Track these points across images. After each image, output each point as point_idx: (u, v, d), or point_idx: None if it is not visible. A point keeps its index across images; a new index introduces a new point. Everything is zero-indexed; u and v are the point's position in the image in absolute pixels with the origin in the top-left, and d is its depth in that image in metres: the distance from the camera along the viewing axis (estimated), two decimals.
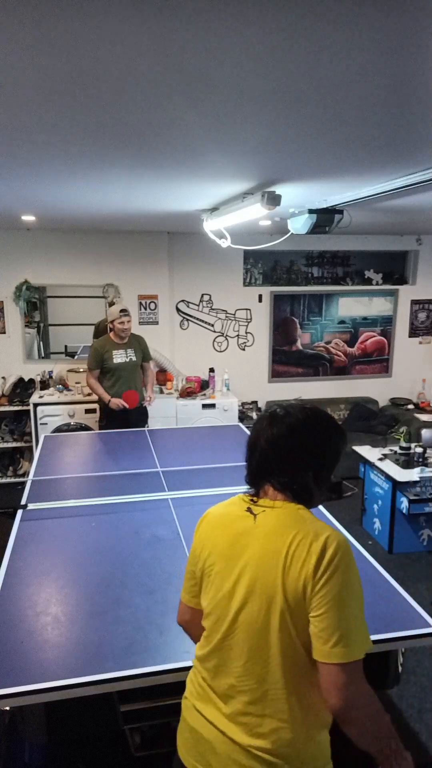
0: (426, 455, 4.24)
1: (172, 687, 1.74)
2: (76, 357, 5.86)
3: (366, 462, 4.43)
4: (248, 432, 4.34)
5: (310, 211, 3.15)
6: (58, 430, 5.01)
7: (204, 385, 5.70)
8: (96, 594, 2.05)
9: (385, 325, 6.44)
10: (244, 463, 1.40)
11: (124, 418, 4.55)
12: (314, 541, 1.21)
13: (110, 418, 4.58)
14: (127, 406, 4.49)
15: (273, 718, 1.24)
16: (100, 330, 4.97)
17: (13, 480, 5.33)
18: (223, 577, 1.32)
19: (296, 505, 1.31)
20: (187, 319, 5.95)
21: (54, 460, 3.63)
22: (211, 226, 3.73)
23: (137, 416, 4.65)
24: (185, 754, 1.36)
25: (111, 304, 5.42)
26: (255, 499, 1.36)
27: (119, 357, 4.53)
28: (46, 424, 5.05)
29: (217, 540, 1.36)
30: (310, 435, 1.35)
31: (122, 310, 4.48)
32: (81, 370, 5.39)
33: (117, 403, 4.46)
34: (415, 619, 1.89)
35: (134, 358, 4.59)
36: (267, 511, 1.31)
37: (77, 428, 4.99)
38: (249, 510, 1.34)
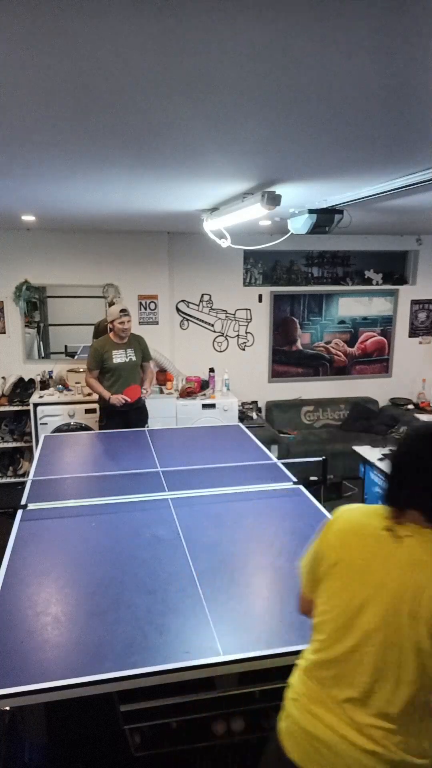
0: None
1: (172, 687, 1.74)
2: (76, 357, 5.86)
3: (366, 462, 4.43)
4: (248, 433, 4.32)
5: (310, 211, 3.15)
6: (58, 430, 5.01)
7: (204, 385, 5.70)
8: (96, 594, 2.05)
9: (385, 325, 6.44)
10: (389, 482, 1.37)
11: (124, 418, 4.54)
12: None
13: (110, 417, 4.58)
14: (129, 400, 4.48)
15: (396, 733, 1.27)
16: (100, 330, 4.97)
17: (13, 480, 5.32)
18: (350, 590, 1.32)
19: None
20: (187, 319, 5.95)
21: (54, 460, 3.63)
22: (211, 226, 3.73)
23: (137, 416, 4.65)
24: (302, 758, 1.36)
25: (111, 304, 5.42)
26: (401, 521, 1.31)
27: (119, 357, 4.53)
28: (46, 424, 5.06)
29: (349, 550, 1.35)
30: None
31: (122, 310, 4.48)
32: (81, 370, 5.39)
33: (118, 398, 4.45)
34: None
35: (134, 358, 4.59)
36: (416, 537, 1.28)
37: (77, 428, 4.99)
38: (388, 529, 1.31)
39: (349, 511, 1.43)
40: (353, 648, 1.30)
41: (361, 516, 1.40)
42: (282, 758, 1.39)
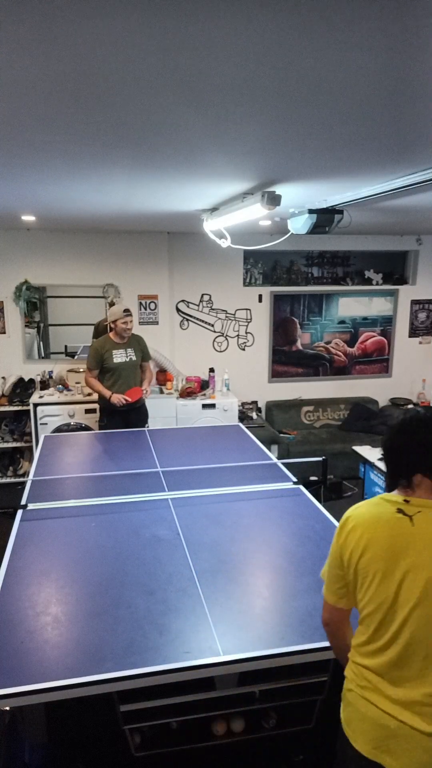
0: None
1: (172, 687, 1.74)
2: (76, 357, 5.86)
3: (366, 462, 4.43)
4: (248, 433, 4.32)
5: (310, 211, 3.15)
6: (58, 430, 5.01)
7: (204, 385, 5.70)
8: (96, 594, 2.05)
9: (385, 325, 6.44)
10: (385, 464, 1.50)
11: (123, 417, 4.55)
12: None
13: (110, 417, 4.58)
14: (129, 399, 4.49)
15: None
16: (100, 330, 4.97)
17: (13, 480, 5.33)
18: (384, 579, 1.38)
19: None
20: (187, 319, 5.95)
21: (54, 460, 3.63)
22: (211, 226, 3.73)
23: (137, 416, 4.65)
24: (364, 745, 1.41)
25: (112, 304, 5.42)
26: (408, 498, 1.41)
27: (119, 356, 4.53)
28: (46, 424, 5.06)
29: (372, 542, 1.40)
30: None
31: (125, 310, 4.49)
32: (81, 370, 5.39)
33: (119, 398, 4.45)
34: None
35: (134, 358, 4.59)
36: (424, 512, 1.38)
37: (77, 428, 4.99)
38: (401, 511, 1.40)
39: (357, 509, 1.49)
40: (397, 632, 1.36)
41: (369, 508, 1.46)
42: (348, 749, 1.44)
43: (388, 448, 1.51)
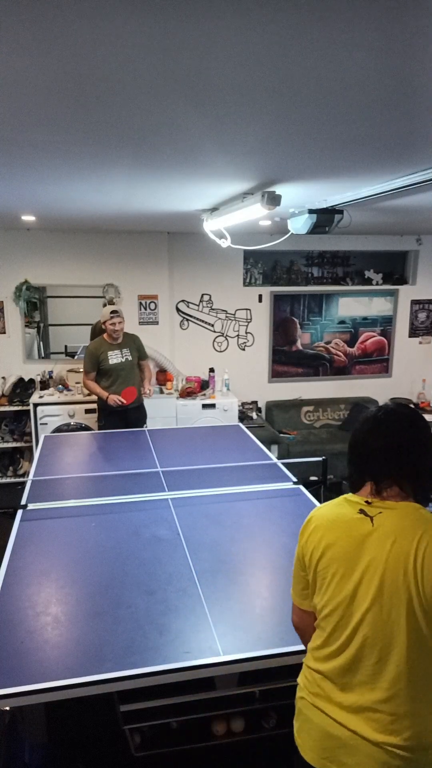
0: None
1: (172, 687, 1.74)
2: (76, 357, 5.86)
3: None
4: (248, 433, 4.32)
5: (310, 211, 3.15)
6: (58, 430, 5.01)
7: (204, 385, 5.70)
8: (96, 594, 2.05)
9: (385, 325, 6.44)
10: (349, 464, 1.45)
11: (122, 417, 4.55)
12: None
13: (108, 417, 4.58)
14: (124, 402, 4.49)
15: (405, 716, 1.26)
16: (97, 332, 4.98)
17: (13, 480, 5.33)
18: (342, 580, 1.34)
19: (415, 504, 1.33)
20: (187, 319, 5.95)
21: (54, 460, 3.63)
22: (211, 226, 3.73)
23: (135, 416, 4.65)
24: (312, 755, 1.37)
25: (106, 305, 5.43)
26: (369, 500, 1.36)
27: (115, 358, 4.53)
28: (46, 424, 5.06)
29: (332, 544, 1.37)
30: (413, 427, 1.39)
31: (112, 312, 4.46)
32: (81, 370, 5.38)
33: (114, 399, 4.46)
34: None
35: (130, 358, 4.59)
36: (385, 513, 1.33)
37: (77, 428, 4.99)
38: (363, 512, 1.35)
39: (320, 509, 1.46)
40: (351, 635, 1.32)
41: (331, 509, 1.43)
42: (299, 759, 1.40)
43: (355, 447, 1.43)
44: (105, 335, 4.57)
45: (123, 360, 4.55)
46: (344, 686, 1.33)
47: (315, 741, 1.37)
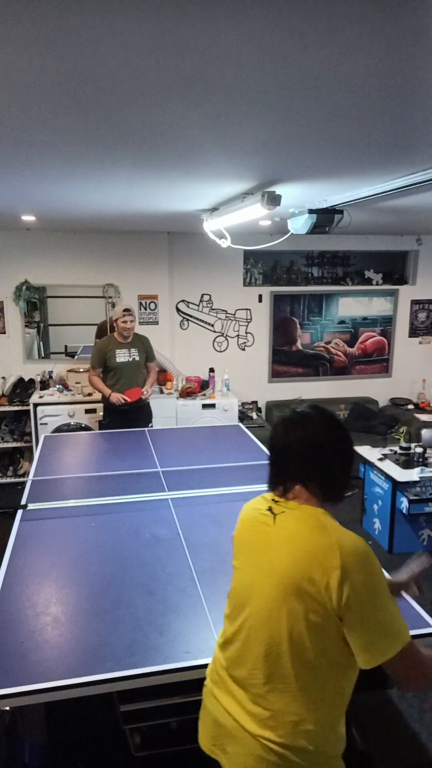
0: (426, 455, 4.24)
1: (171, 687, 1.74)
2: (76, 357, 5.86)
3: (366, 462, 4.43)
4: (248, 433, 4.32)
5: (310, 211, 3.15)
6: (58, 430, 5.01)
7: (204, 385, 5.70)
8: (96, 594, 2.05)
9: (385, 325, 6.44)
10: (267, 464, 1.45)
11: (126, 417, 4.57)
12: (339, 552, 1.23)
13: (112, 416, 4.60)
14: (128, 399, 4.50)
15: (282, 712, 1.28)
16: (103, 330, 4.99)
17: (13, 480, 5.33)
18: (244, 571, 1.40)
19: (317, 509, 1.34)
20: (187, 319, 5.95)
21: (54, 460, 3.63)
22: (211, 226, 3.73)
23: (139, 415, 4.67)
24: (204, 739, 1.43)
25: (113, 305, 5.46)
26: (277, 499, 1.40)
27: (122, 356, 4.55)
28: (46, 424, 5.05)
29: (243, 535, 1.44)
30: (337, 432, 1.40)
31: (125, 309, 4.52)
32: (81, 370, 5.40)
33: (117, 397, 4.47)
34: (415, 619, 1.89)
35: (137, 358, 4.61)
36: (287, 513, 1.35)
37: (77, 428, 4.99)
38: (270, 510, 1.39)
39: (247, 503, 1.51)
40: (241, 625, 1.36)
41: (253, 503, 1.48)
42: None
43: (270, 448, 1.45)
44: (115, 333, 4.61)
45: (130, 359, 4.58)
46: (234, 677, 1.37)
47: (207, 727, 1.42)
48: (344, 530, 1.29)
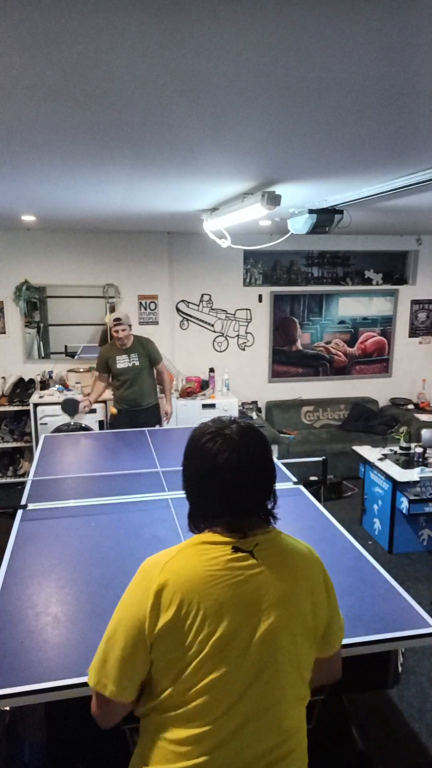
0: (426, 455, 4.24)
1: None
2: (76, 357, 5.86)
3: (366, 462, 4.43)
4: None
5: (310, 211, 3.15)
6: (58, 430, 5.00)
7: (204, 385, 5.71)
8: (96, 594, 2.05)
9: (385, 325, 6.44)
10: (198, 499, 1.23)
11: (134, 418, 4.63)
12: (318, 565, 1.26)
13: (119, 417, 4.69)
14: (113, 412, 4.69)
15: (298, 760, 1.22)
16: (104, 337, 5.07)
17: (13, 480, 5.33)
18: (238, 636, 1.13)
19: (273, 528, 1.24)
20: (187, 319, 5.95)
21: (54, 460, 3.63)
22: (211, 226, 3.73)
23: (148, 417, 4.71)
24: None
25: (112, 308, 5.48)
26: (230, 536, 1.18)
27: (122, 362, 4.59)
28: (46, 424, 5.06)
29: (215, 597, 1.13)
30: (266, 443, 1.26)
31: (116, 319, 4.48)
32: (81, 370, 5.41)
33: (85, 402, 4.72)
34: (415, 619, 1.89)
35: (137, 363, 4.61)
36: (262, 544, 1.19)
37: (77, 428, 4.99)
38: (238, 549, 1.17)
39: (170, 564, 1.16)
40: (240, 697, 1.15)
41: (192, 558, 1.16)
42: None
43: (205, 479, 1.19)
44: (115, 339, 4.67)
45: (130, 365, 4.60)
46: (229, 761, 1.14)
47: None
48: (295, 538, 1.29)
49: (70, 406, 4.71)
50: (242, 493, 1.18)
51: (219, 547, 1.17)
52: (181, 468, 1.25)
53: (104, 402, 5.14)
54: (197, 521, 1.23)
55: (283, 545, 1.23)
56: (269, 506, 1.23)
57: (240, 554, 1.16)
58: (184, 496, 1.25)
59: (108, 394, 4.88)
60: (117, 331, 4.50)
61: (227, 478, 1.17)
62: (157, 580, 1.13)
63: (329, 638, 1.27)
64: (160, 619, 1.11)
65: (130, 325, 4.56)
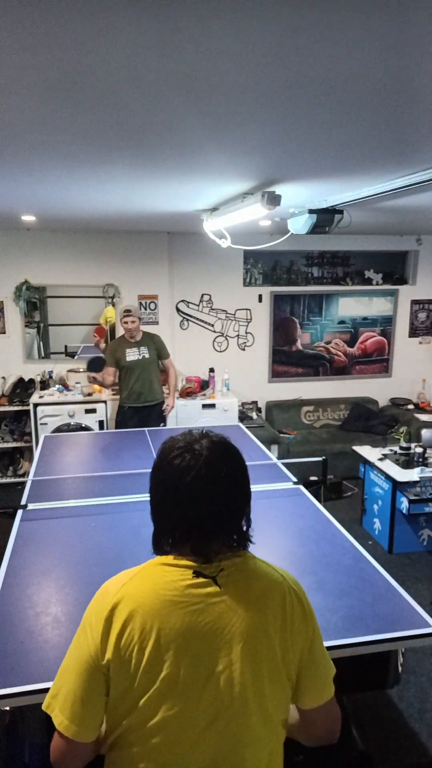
0: (426, 455, 4.24)
1: None
2: (76, 357, 5.86)
3: (366, 462, 4.43)
4: (248, 433, 4.31)
5: (310, 211, 3.15)
6: (58, 430, 5.01)
7: (204, 385, 5.71)
8: None
9: (385, 325, 6.44)
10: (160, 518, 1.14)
11: (140, 416, 4.68)
12: (296, 592, 1.13)
13: (126, 414, 4.72)
14: (97, 377, 4.61)
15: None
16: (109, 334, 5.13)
17: (13, 480, 5.33)
18: (192, 672, 1.03)
19: (247, 553, 1.15)
20: (187, 319, 5.95)
21: (54, 460, 3.63)
22: (211, 226, 3.73)
23: (153, 413, 4.77)
24: None
25: (113, 304, 5.52)
26: (193, 559, 1.09)
27: (132, 355, 4.68)
28: (46, 424, 5.06)
29: (170, 626, 1.03)
30: (241, 460, 1.17)
31: (126, 310, 4.63)
32: (81, 370, 5.40)
33: (91, 375, 4.67)
34: (415, 619, 1.88)
35: (147, 356, 4.73)
36: (227, 569, 1.09)
37: (77, 428, 5.00)
38: (199, 574, 1.07)
39: (125, 586, 1.10)
40: (211, 721, 1.06)
41: (147, 580, 1.10)
42: None
43: (169, 500, 1.10)
44: (124, 333, 4.76)
45: (140, 357, 4.70)
46: None
47: None
48: (275, 566, 1.19)
49: (96, 364, 4.73)
50: (210, 515, 1.08)
51: (179, 570, 1.08)
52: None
53: (104, 402, 5.15)
54: (161, 542, 1.13)
55: (252, 571, 1.11)
56: (243, 527, 1.12)
57: (201, 580, 1.07)
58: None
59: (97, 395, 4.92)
60: (126, 323, 4.60)
61: (194, 498, 1.07)
62: (112, 601, 1.07)
63: (304, 687, 1.12)
64: (112, 644, 1.03)
65: (140, 318, 4.64)
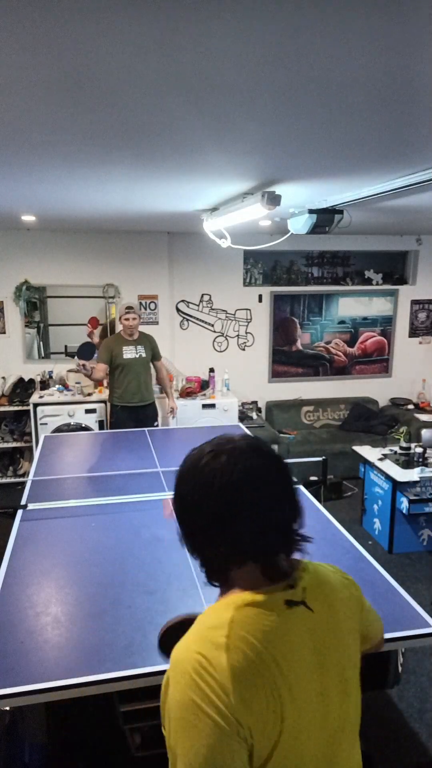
0: (426, 455, 4.24)
1: None
2: (76, 357, 5.86)
3: (366, 462, 4.43)
4: (249, 433, 4.33)
5: (310, 211, 3.15)
6: (58, 430, 5.01)
7: (204, 385, 5.71)
8: (96, 594, 2.05)
9: (385, 325, 6.43)
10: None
11: (133, 415, 4.69)
12: (356, 590, 1.12)
13: (120, 414, 4.71)
14: (86, 364, 4.58)
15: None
16: (106, 330, 5.10)
17: (13, 480, 5.32)
18: (315, 693, 0.94)
19: (299, 560, 1.04)
20: (187, 319, 5.95)
21: (54, 460, 3.63)
22: (211, 226, 3.73)
23: (146, 413, 4.78)
24: None
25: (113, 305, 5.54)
26: (272, 587, 0.95)
27: (129, 353, 4.69)
28: (46, 424, 5.06)
29: (294, 663, 0.91)
30: (274, 452, 1.11)
31: (128, 307, 4.67)
32: (77, 365, 5.42)
33: (84, 363, 4.59)
34: (415, 619, 1.89)
35: (144, 355, 4.76)
36: (309, 589, 0.98)
37: (77, 428, 5.00)
38: (289, 603, 0.94)
39: (248, 637, 0.90)
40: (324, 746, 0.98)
41: (256, 623, 0.91)
42: None
43: (201, 513, 0.94)
44: (122, 331, 4.74)
45: (137, 356, 4.72)
46: None
47: None
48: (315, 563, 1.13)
49: (85, 350, 4.76)
50: (274, 511, 0.94)
51: (267, 614, 0.91)
52: (176, 509, 0.99)
53: (104, 402, 5.15)
54: (219, 569, 0.98)
55: (323, 582, 1.02)
56: (298, 528, 0.99)
57: (294, 610, 0.93)
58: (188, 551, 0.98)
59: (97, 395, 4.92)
60: (128, 319, 4.64)
61: (253, 496, 0.92)
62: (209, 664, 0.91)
63: (368, 633, 1.14)
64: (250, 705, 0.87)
65: (140, 316, 4.68)
